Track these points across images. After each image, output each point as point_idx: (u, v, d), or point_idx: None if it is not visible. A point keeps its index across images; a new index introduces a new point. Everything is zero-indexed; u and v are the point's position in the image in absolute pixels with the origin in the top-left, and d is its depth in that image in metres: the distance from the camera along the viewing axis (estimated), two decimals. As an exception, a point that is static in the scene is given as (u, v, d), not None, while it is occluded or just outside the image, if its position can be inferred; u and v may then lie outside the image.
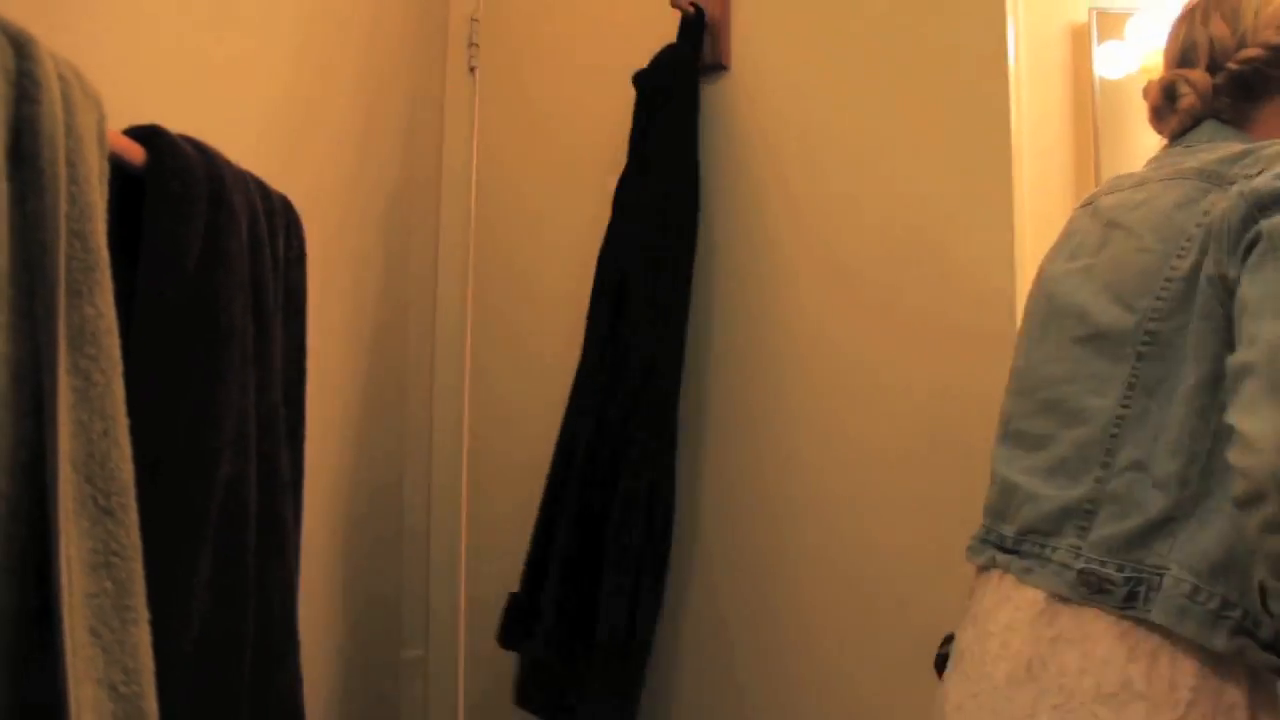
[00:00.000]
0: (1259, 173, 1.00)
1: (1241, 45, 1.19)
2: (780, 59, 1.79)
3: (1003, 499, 1.16)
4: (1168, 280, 1.05)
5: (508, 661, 1.85)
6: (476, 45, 1.93)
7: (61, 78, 0.72)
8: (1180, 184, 1.10)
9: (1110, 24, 2.05)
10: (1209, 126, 1.19)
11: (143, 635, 0.72)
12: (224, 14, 1.22)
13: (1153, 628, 0.97)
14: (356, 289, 1.62)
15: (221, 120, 1.15)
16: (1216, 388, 0.97)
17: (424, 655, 1.88)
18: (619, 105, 1.86)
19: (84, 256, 0.72)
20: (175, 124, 0.95)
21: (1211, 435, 0.98)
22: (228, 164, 0.99)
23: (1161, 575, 0.98)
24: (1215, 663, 0.96)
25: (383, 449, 1.78)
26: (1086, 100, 2.04)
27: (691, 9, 1.76)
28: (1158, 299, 1.05)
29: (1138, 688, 0.97)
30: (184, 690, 0.86)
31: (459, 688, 1.88)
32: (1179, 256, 1.04)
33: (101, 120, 0.78)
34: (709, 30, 1.78)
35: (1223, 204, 1.01)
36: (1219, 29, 1.23)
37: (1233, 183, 1.03)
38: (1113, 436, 1.06)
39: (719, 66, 1.79)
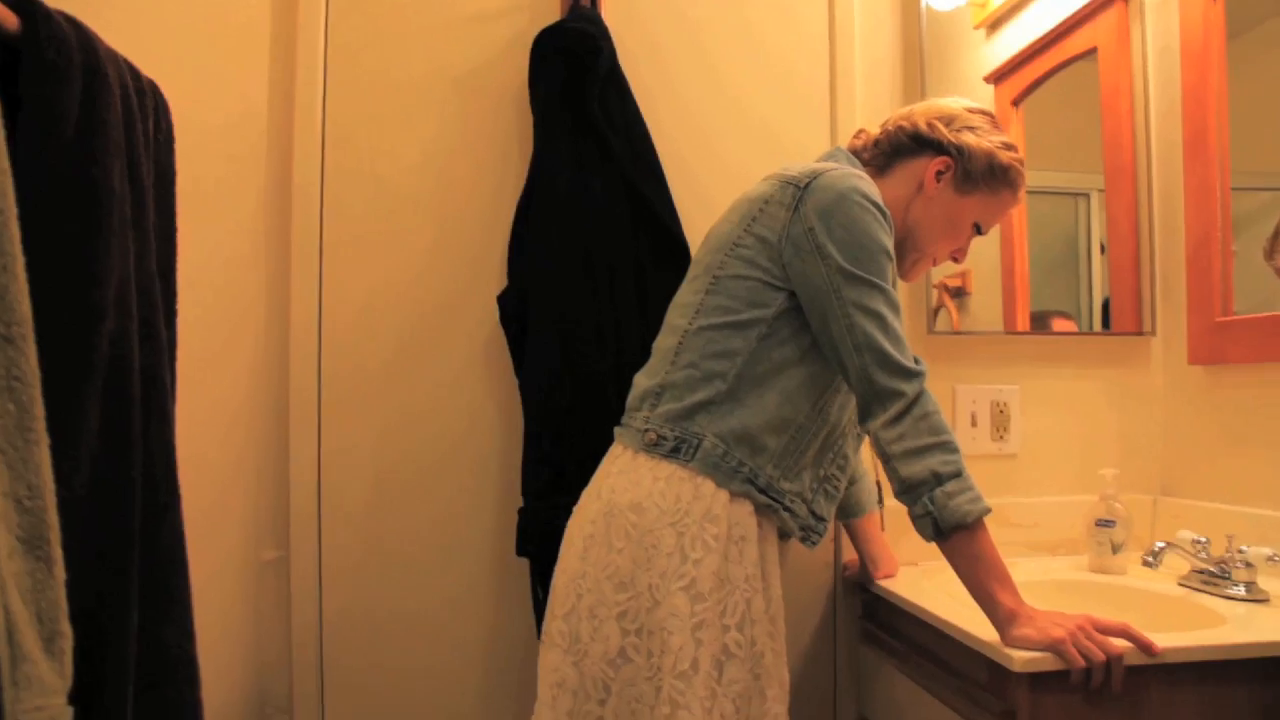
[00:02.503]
0: (807, 183, 1.49)
1: (903, 119, 1.68)
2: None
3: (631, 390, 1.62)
4: (735, 244, 1.53)
5: (368, 561, 1.94)
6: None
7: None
8: (771, 182, 1.55)
9: (939, -44, 2.19)
10: (837, 150, 1.70)
11: (44, 456, 0.78)
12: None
13: (683, 470, 1.46)
14: (204, 194, 1.65)
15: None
16: (756, 322, 1.49)
17: (285, 556, 1.92)
18: (477, 22, 1.93)
19: (-25, 106, 0.76)
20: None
21: (748, 353, 1.49)
22: (99, 39, 1.03)
23: (700, 440, 1.47)
24: (727, 498, 1.46)
25: (241, 356, 1.81)
26: (914, 28, 2.18)
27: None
28: (725, 255, 1.53)
29: (654, 499, 1.45)
30: (78, 531, 0.91)
31: (319, 588, 1.92)
32: (745, 230, 1.52)
33: (-21, -18, 0.81)
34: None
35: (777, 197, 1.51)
36: (906, 107, 1.73)
37: (792, 182, 1.51)
38: (680, 344, 1.53)
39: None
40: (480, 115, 2.01)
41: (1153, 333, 2.20)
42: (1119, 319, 2.22)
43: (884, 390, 1.43)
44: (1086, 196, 2.29)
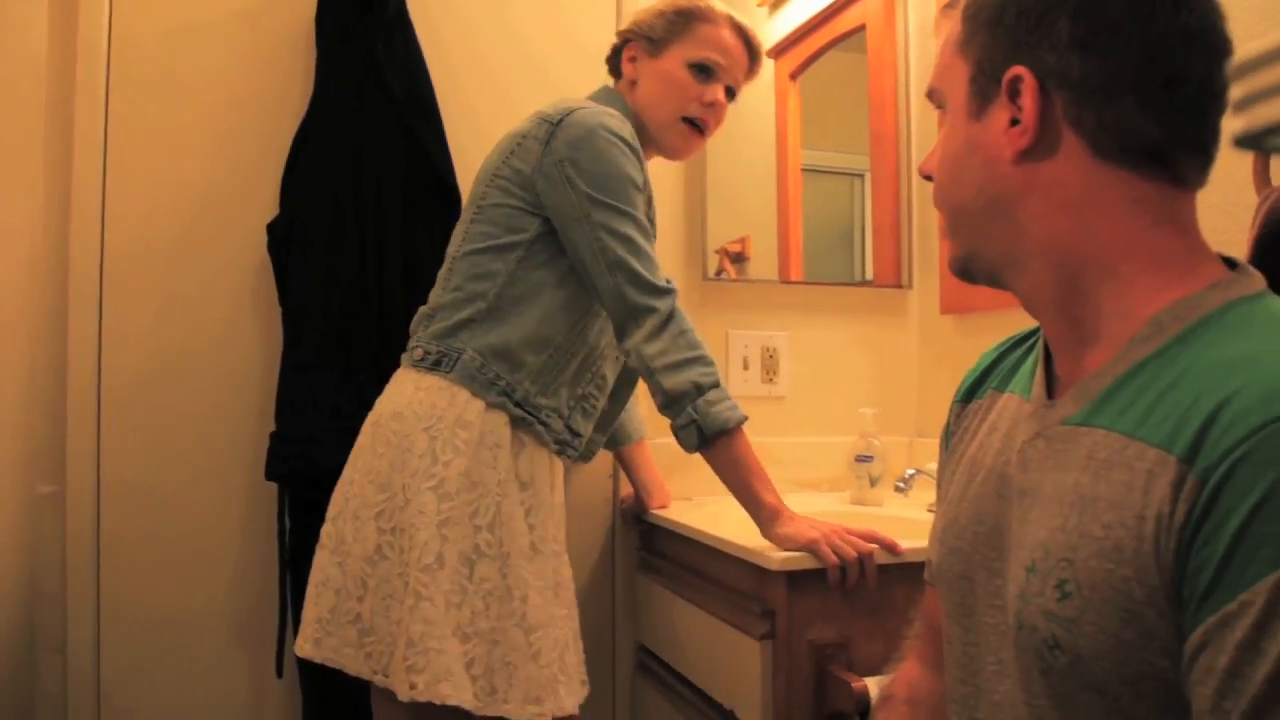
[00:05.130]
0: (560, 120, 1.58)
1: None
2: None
3: None
4: (494, 175, 1.62)
5: (147, 495, 1.91)
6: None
7: None
8: (531, 119, 1.64)
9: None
10: (603, 89, 1.79)
11: None
12: None
13: (443, 380, 1.54)
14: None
15: None
16: (515, 245, 1.58)
17: (60, 490, 1.87)
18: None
19: None
20: None
21: (507, 274, 1.58)
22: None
23: (461, 354, 1.56)
24: (482, 407, 1.54)
25: (15, 290, 1.76)
26: None
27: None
28: (487, 186, 1.63)
29: (413, 407, 1.53)
30: None
31: (97, 523, 1.89)
32: (504, 162, 1.62)
33: None
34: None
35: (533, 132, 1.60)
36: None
37: (547, 119, 1.61)
38: (450, 270, 1.64)
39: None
40: (266, 48, 2.00)
41: (910, 286, 2.38)
42: (880, 273, 2.40)
43: (637, 307, 1.53)
44: (861, 177, 2.46)
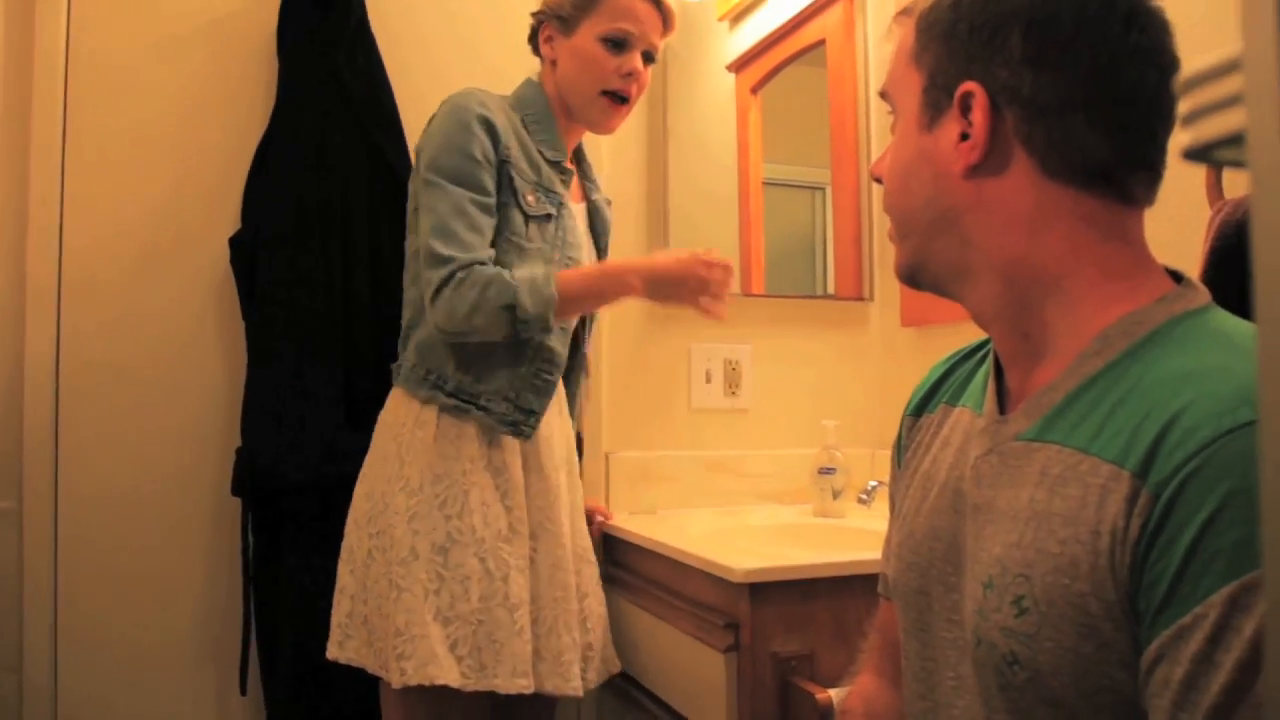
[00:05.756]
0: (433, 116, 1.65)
1: None
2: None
3: None
4: (410, 183, 1.69)
5: (107, 511, 1.89)
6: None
7: None
8: None
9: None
10: (526, 80, 1.78)
11: None
12: None
13: (400, 388, 1.64)
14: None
15: None
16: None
17: (16, 507, 1.84)
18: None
19: None
20: None
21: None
22: None
23: (406, 359, 1.64)
24: (423, 404, 1.60)
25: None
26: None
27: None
28: (409, 199, 1.68)
29: (385, 418, 1.65)
30: None
31: (55, 539, 1.86)
32: (413, 168, 1.68)
33: None
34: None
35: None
36: None
37: None
38: (403, 286, 1.70)
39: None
40: (229, 60, 1.99)
41: (871, 299, 2.40)
42: (842, 286, 2.41)
43: (425, 282, 1.55)
44: (823, 190, 2.48)
